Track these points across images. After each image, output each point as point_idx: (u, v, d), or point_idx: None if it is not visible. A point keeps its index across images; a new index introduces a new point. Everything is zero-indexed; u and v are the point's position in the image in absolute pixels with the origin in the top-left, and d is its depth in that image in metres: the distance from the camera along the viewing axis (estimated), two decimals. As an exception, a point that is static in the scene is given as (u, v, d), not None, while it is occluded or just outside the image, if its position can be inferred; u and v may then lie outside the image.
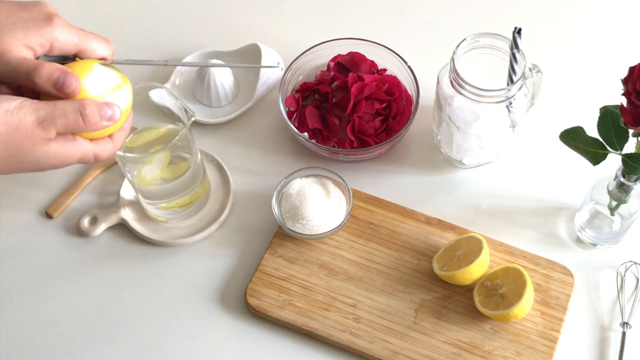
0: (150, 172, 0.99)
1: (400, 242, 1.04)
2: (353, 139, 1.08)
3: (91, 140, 0.80)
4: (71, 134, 0.78)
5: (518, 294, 0.95)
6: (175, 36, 1.24)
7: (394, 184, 1.10)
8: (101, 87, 0.79)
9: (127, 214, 1.06)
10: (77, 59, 0.81)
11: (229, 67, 1.14)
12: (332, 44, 1.14)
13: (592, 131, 0.90)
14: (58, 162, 0.78)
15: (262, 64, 1.14)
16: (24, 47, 0.77)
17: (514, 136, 1.06)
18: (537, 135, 1.13)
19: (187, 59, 1.18)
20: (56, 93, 0.76)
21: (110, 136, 0.82)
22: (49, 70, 0.76)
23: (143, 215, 1.07)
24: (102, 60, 0.82)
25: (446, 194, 1.09)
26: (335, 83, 1.11)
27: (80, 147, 0.79)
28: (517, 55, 0.96)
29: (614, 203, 0.98)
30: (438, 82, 1.02)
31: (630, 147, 0.90)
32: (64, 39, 0.79)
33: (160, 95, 0.97)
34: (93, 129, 0.78)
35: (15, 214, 1.08)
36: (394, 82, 1.11)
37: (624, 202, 0.97)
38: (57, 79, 0.76)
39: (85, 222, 1.05)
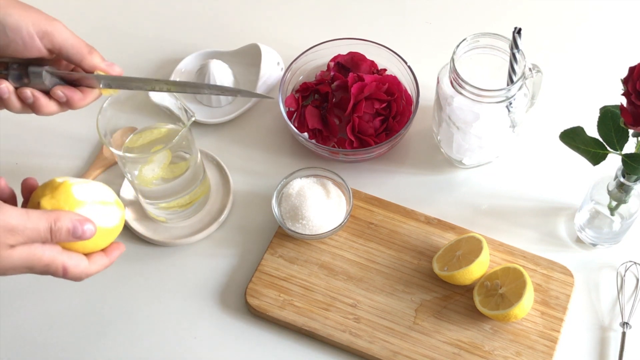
0: (151, 172, 0.99)
1: (400, 242, 1.04)
2: (353, 139, 1.08)
3: (64, 249, 0.79)
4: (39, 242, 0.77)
5: (518, 294, 0.95)
6: (175, 36, 1.23)
7: (394, 184, 1.10)
8: (90, 194, 0.80)
9: (127, 214, 1.06)
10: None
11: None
12: (332, 44, 1.14)
13: (592, 131, 0.90)
14: (22, 264, 0.76)
15: (262, 64, 1.15)
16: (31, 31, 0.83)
17: (514, 136, 1.06)
18: (537, 135, 1.13)
19: (187, 59, 1.18)
20: (104, 67, 0.87)
21: (88, 256, 0.80)
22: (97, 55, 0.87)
23: (143, 215, 1.07)
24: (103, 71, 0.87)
25: (446, 194, 1.09)
26: (335, 83, 1.11)
27: (49, 254, 0.77)
28: (517, 55, 0.96)
29: (614, 203, 0.98)
30: (438, 82, 1.02)
31: (630, 147, 0.90)
32: (64, 37, 0.84)
33: (160, 95, 0.97)
34: (62, 242, 0.77)
35: (15, 214, 1.08)
36: (394, 82, 1.11)
37: (624, 202, 0.97)
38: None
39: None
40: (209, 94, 1.08)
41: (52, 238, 0.76)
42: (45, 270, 0.77)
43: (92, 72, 0.87)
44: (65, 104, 0.88)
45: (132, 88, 0.89)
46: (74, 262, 0.78)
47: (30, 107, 0.87)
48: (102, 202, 0.81)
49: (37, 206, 0.79)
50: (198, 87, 0.92)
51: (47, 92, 0.87)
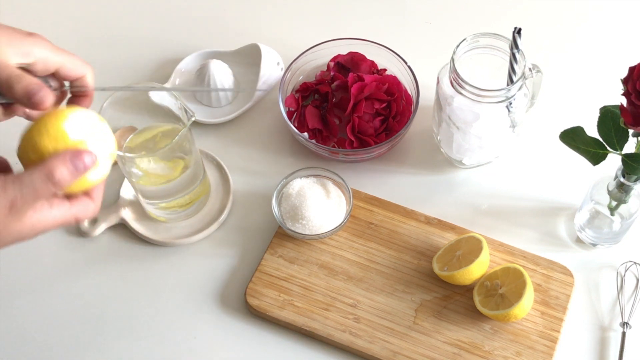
0: (153, 171, 0.99)
1: (400, 242, 1.04)
2: (353, 139, 1.08)
3: (70, 200, 0.76)
4: (46, 202, 0.75)
5: (518, 294, 0.95)
6: (175, 36, 1.24)
7: (394, 184, 1.10)
8: (82, 130, 0.76)
9: (127, 214, 1.06)
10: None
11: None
12: (332, 44, 1.14)
13: (592, 131, 0.90)
14: (35, 233, 0.75)
15: (262, 64, 1.15)
16: (9, 55, 0.76)
17: (514, 136, 1.06)
18: (537, 135, 1.13)
19: (187, 59, 1.18)
20: (28, 104, 0.75)
21: (88, 194, 0.78)
22: (29, 81, 0.75)
23: (143, 215, 1.07)
24: (81, 87, 0.80)
25: (446, 194, 1.09)
26: (335, 83, 1.11)
27: (59, 214, 0.75)
28: (517, 55, 0.96)
29: (614, 203, 0.98)
30: (438, 82, 1.02)
31: (630, 147, 0.90)
32: (46, 52, 0.78)
33: (160, 95, 0.97)
34: (72, 181, 0.74)
35: (15, 214, 1.08)
36: (394, 82, 1.11)
37: (624, 202, 0.97)
38: (32, 89, 0.74)
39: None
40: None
41: (57, 189, 0.73)
42: (59, 226, 0.77)
43: None
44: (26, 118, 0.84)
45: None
46: (82, 208, 0.77)
47: None
48: (96, 133, 0.77)
49: (32, 154, 0.75)
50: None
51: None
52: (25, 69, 0.77)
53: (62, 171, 0.73)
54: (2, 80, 0.76)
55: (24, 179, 0.72)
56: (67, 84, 0.82)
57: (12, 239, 0.74)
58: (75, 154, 0.73)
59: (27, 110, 0.82)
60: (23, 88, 0.75)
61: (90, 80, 0.81)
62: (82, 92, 0.81)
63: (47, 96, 0.75)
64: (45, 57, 0.78)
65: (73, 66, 0.79)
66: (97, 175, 0.76)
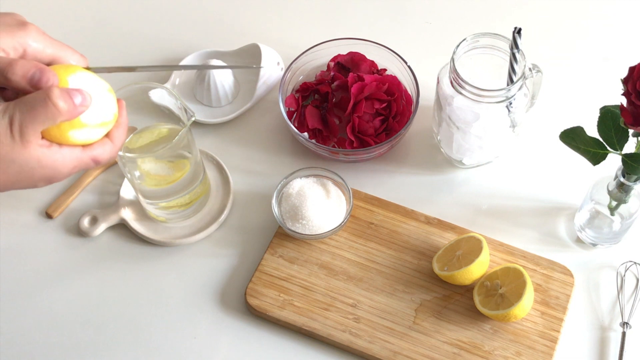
0: (153, 171, 0.99)
1: (400, 242, 1.04)
2: (353, 139, 1.08)
3: (83, 148, 0.76)
4: (54, 145, 0.73)
5: (518, 294, 0.95)
6: (175, 36, 1.24)
7: (394, 184, 1.10)
8: (92, 86, 0.77)
9: (127, 214, 1.06)
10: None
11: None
12: (332, 44, 1.14)
13: (592, 131, 0.90)
14: (46, 171, 0.73)
15: (262, 64, 1.15)
16: None
17: (514, 136, 1.06)
18: (537, 135, 1.13)
19: (187, 59, 1.18)
20: (32, 90, 0.73)
21: (107, 135, 0.78)
22: (25, 67, 0.72)
23: (143, 215, 1.07)
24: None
25: (446, 194, 1.09)
26: (335, 83, 1.11)
27: (70, 154, 0.74)
28: (517, 55, 0.96)
29: (614, 203, 0.98)
30: (438, 82, 1.02)
31: (630, 147, 0.90)
32: (37, 45, 0.77)
33: (160, 95, 0.97)
34: (69, 116, 0.73)
35: (15, 214, 1.08)
36: (394, 82, 1.11)
37: (624, 202, 0.97)
38: (33, 75, 0.73)
39: (85, 222, 1.05)
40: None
41: (55, 111, 0.71)
42: (76, 169, 0.75)
43: None
44: None
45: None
46: (100, 150, 0.77)
47: None
48: (99, 91, 0.78)
49: None
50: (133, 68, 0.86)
51: None
52: None
53: (61, 94, 0.72)
54: None
55: (24, 98, 0.71)
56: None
57: (17, 169, 0.72)
58: (72, 89, 0.73)
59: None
60: (22, 76, 0.73)
61: None
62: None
63: (53, 77, 0.74)
64: (37, 50, 0.77)
65: (66, 60, 0.79)
66: (85, 135, 0.76)
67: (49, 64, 0.78)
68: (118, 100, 0.80)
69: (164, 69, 0.94)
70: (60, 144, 0.74)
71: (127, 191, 1.08)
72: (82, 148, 0.76)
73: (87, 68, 0.80)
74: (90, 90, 0.76)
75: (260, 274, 1.02)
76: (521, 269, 0.97)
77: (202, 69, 1.13)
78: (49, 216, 1.08)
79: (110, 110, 0.79)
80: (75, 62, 0.79)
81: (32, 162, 0.72)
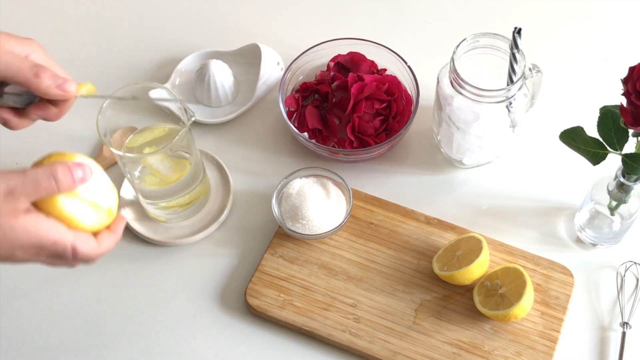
0: (155, 172, 0.99)
1: (400, 242, 1.04)
2: (353, 139, 1.08)
3: (70, 228, 0.76)
4: (42, 213, 0.74)
5: (518, 294, 0.95)
6: (175, 36, 1.24)
7: (394, 184, 1.10)
8: (97, 171, 0.78)
9: (127, 214, 1.06)
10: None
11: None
12: (332, 44, 1.14)
13: (592, 131, 0.90)
14: (28, 239, 0.72)
15: (262, 64, 1.15)
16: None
17: (514, 136, 1.06)
18: (537, 135, 1.13)
19: (187, 59, 1.18)
20: (56, 91, 0.79)
21: (96, 234, 0.78)
22: (51, 72, 0.79)
23: (143, 215, 1.07)
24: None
25: (446, 194, 1.09)
26: (335, 83, 1.11)
27: (55, 230, 0.74)
28: (517, 55, 0.96)
29: (614, 203, 0.98)
30: (438, 82, 1.02)
31: (630, 147, 0.90)
32: (38, 55, 0.81)
33: (160, 95, 0.96)
34: (65, 191, 0.74)
35: (15, 214, 1.08)
36: (394, 82, 1.11)
37: (624, 202, 0.97)
38: (58, 79, 0.79)
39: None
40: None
41: (58, 187, 0.73)
42: (54, 249, 0.74)
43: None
44: (46, 120, 0.85)
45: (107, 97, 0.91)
46: (83, 240, 0.76)
47: (5, 126, 0.85)
48: (103, 179, 0.79)
49: None
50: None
51: (19, 107, 0.84)
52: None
53: (64, 172, 0.74)
54: (24, 72, 0.78)
55: (28, 172, 0.73)
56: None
57: (2, 234, 0.71)
58: (74, 163, 0.75)
59: (42, 112, 0.83)
60: (50, 77, 0.79)
61: (46, 86, 0.81)
62: (62, 97, 0.82)
63: (73, 84, 0.80)
64: (38, 60, 0.80)
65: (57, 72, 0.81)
66: (73, 206, 0.76)
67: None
68: (120, 216, 0.81)
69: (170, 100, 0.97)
70: (47, 216, 0.74)
71: (127, 191, 1.08)
72: (67, 227, 0.75)
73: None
74: (95, 171, 0.78)
75: (260, 274, 1.02)
76: (521, 269, 0.97)
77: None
78: (49, 216, 1.07)
79: (106, 198, 0.79)
80: (46, 87, 0.80)
81: (18, 229, 0.72)
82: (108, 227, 0.79)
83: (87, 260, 0.77)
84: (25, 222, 0.72)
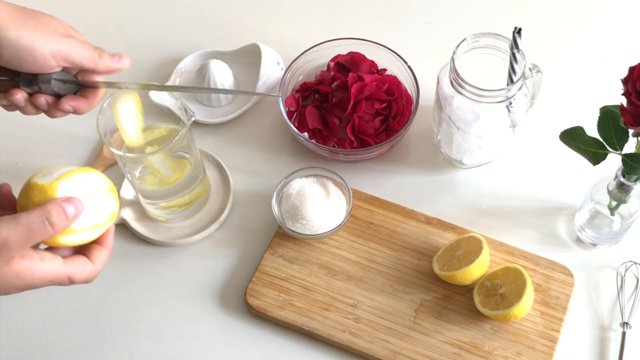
0: (155, 172, 0.99)
1: (400, 242, 1.04)
2: (353, 139, 1.08)
3: (65, 258, 0.76)
4: (36, 254, 0.74)
5: (518, 294, 0.95)
6: (175, 36, 1.24)
7: (394, 184, 1.10)
8: (84, 190, 0.78)
9: (127, 214, 1.06)
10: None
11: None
12: (332, 44, 1.14)
13: (592, 131, 0.90)
14: (23, 284, 0.73)
15: (262, 64, 1.15)
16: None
17: (514, 136, 1.06)
18: (537, 135, 1.13)
19: (187, 59, 1.18)
20: (117, 65, 0.89)
21: (88, 256, 0.78)
22: (107, 52, 0.89)
23: (143, 215, 1.07)
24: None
25: (446, 194, 1.09)
26: (335, 83, 1.11)
27: (48, 269, 0.74)
28: (517, 55, 0.96)
29: (614, 203, 0.98)
30: (438, 82, 1.02)
31: (630, 147, 0.90)
32: (78, 50, 0.86)
33: (160, 95, 0.97)
34: (62, 230, 0.74)
35: (15, 214, 1.08)
36: (394, 82, 1.11)
37: (624, 202, 0.97)
38: (114, 55, 0.89)
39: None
40: (209, 92, 1.09)
41: (53, 231, 0.73)
42: (51, 284, 0.75)
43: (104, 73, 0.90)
44: (73, 112, 0.89)
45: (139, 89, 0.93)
46: (78, 269, 0.77)
47: (43, 112, 0.89)
48: (93, 194, 0.79)
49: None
50: (196, 89, 0.93)
51: (58, 95, 0.88)
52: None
53: (58, 214, 0.73)
54: (90, 53, 0.87)
55: (21, 219, 0.72)
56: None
57: None
58: (64, 200, 0.74)
59: (75, 103, 0.88)
60: (108, 55, 0.88)
61: (108, 64, 0.89)
62: (120, 70, 0.90)
63: (127, 57, 0.90)
64: (76, 63, 0.87)
65: (108, 63, 0.90)
66: (76, 238, 0.77)
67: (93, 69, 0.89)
68: (110, 228, 0.81)
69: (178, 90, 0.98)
70: (40, 255, 0.74)
71: (127, 191, 1.08)
72: (62, 263, 0.76)
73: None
74: (83, 193, 0.77)
75: (260, 274, 1.02)
76: (521, 269, 0.97)
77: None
78: (49, 216, 1.07)
79: (105, 211, 0.79)
80: (108, 64, 0.89)
81: (11, 276, 0.72)
82: (98, 242, 0.80)
83: (85, 282, 0.79)
84: (17, 269, 0.72)
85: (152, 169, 0.98)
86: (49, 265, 0.74)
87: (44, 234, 0.73)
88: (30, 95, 0.87)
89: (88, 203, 0.77)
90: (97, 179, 0.80)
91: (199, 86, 1.12)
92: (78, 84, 0.89)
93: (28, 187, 0.77)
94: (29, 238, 0.72)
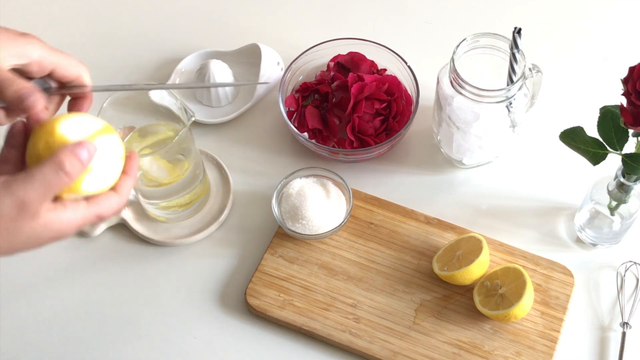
0: (154, 172, 0.99)
1: (400, 242, 1.04)
2: (353, 139, 1.08)
3: (88, 199, 0.74)
4: (59, 204, 0.72)
5: (518, 294, 0.95)
6: (175, 36, 1.24)
7: (394, 184, 1.10)
8: (82, 130, 0.74)
9: (127, 214, 1.06)
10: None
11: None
12: (332, 44, 1.14)
13: (592, 131, 0.90)
14: (53, 234, 0.72)
15: (262, 64, 1.15)
16: (3, 57, 0.74)
17: (514, 136, 1.06)
18: (537, 135, 1.13)
19: (187, 59, 1.18)
20: (19, 108, 0.74)
21: (113, 188, 0.76)
22: (19, 85, 0.74)
23: (143, 215, 1.07)
24: (81, 86, 0.80)
25: (446, 194, 1.09)
26: (335, 83, 1.11)
27: (74, 214, 0.73)
28: (517, 55, 0.96)
29: (614, 203, 0.98)
30: (438, 82, 1.02)
31: (630, 147, 0.90)
32: (40, 52, 0.77)
33: (160, 95, 0.97)
34: (79, 176, 0.72)
35: (15, 214, 1.08)
36: (394, 82, 1.11)
37: (624, 202, 0.97)
38: (22, 94, 0.73)
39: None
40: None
41: (69, 179, 0.71)
42: (81, 228, 0.74)
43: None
44: None
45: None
46: (105, 205, 0.75)
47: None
48: (97, 131, 0.75)
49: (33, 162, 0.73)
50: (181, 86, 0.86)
51: None
52: (21, 70, 0.76)
53: (71, 160, 0.71)
54: (76, 65, 0.77)
55: (35, 174, 0.70)
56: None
57: (25, 239, 0.71)
58: (76, 144, 0.72)
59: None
60: (14, 92, 0.74)
61: (86, 80, 0.80)
62: (81, 94, 0.80)
63: (38, 100, 0.74)
64: (40, 58, 0.77)
65: (68, 66, 0.79)
66: (96, 185, 0.74)
67: (51, 73, 0.78)
68: (131, 153, 0.78)
69: (164, 87, 0.96)
70: (62, 204, 0.72)
71: (127, 191, 1.08)
72: (87, 204, 0.74)
73: (80, 85, 0.80)
74: (86, 128, 0.74)
75: (260, 274, 1.02)
76: (521, 269, 0.97)
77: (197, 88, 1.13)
78: (49, 216, 1.07)
79: (116, 149, 0.76)
80: (75, 67, 0.79)
81: (38, 229, 0.71)
82: (123, 172, 0.77)
83: (115, 214, 0.77)
84: (44, 221, 0.71)
85: (149, 170, 0.98)
86: (74, 211, 0.73)
87: (61, 183, 0.71)
88: None
89: (102, 145, 0.75)
90: (94, 120, 0.76)
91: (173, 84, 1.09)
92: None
93: (37, 137, 0.74)
94: (47, 192, 0.70)
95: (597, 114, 0.90)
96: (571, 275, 1.01)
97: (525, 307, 0.95)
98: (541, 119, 1.13)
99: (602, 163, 0.90)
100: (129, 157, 0.78)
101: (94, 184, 0.74)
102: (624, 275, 1.01)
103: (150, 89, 0.96)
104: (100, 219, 0.75)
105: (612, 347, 0.98)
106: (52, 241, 0.73)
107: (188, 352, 0.99)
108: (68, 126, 0.74)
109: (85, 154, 0.72)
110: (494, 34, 0.98)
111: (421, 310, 0.99)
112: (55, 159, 0.71)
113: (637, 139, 0.89)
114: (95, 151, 0.73)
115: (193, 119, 0.93)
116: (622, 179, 0.93)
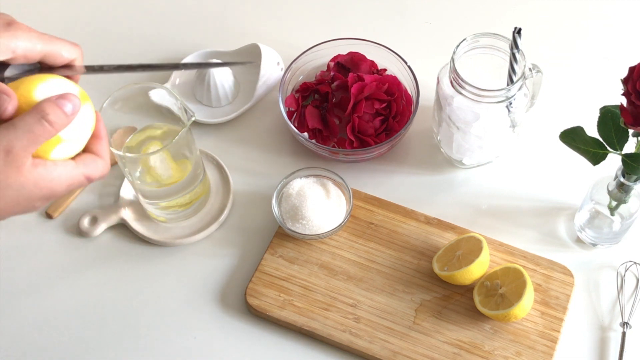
0: (157, 171, 0.99)
1: (400, 242, 1.04)
2: (353, 139, 1.08)
3: (75, 159, 0.73)
4: (49, 160, 0.71)
5: (518, 294, 0.95)
6: (175, 36, 1.24)
7: (394, 184, 1.10)
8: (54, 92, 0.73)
9: (127, 214, 1.06)
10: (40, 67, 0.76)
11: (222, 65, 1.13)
12: (332, 44, 1.14)
13: (592, 131, 0.90)
14: (43, 192, 0.71)
15: (262, 64, 1.15)
16: None
17: (514, 136, 1.06)
18: (537, 135, 1.13)
19: (187, 59, 1.18)
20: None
21: (94, 152, 0.76)
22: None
23: (143, 215, 1.07)
24: (69, 67, 0.78)
25: (446, 194, 1.09)
26: (335, 83, 1.11)
27: (64, 172, 0.72)
28: (517, 55, 0.96)
29: (614, 203, 0.98)
30: (438, 82, 1.02)
31: (630, 147, 0.90)
32: (26, 44, 0.75)
33: (160, 95, 0.97)
34: (61, 129, 0.71)
35: (15, 214, 1.08)
36: (394, 82, 1.11)
37: (624, 202, 0.97)
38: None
39: (85, 222, 1.05)
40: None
41: (52, 129, 0.70)
42: (70, 188, 0.73)
43: None
44: None
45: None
46: (92, 166, 0.74)
47: None
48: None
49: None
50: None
51: None
52: (5, 62, 0.74)
53: (54, 110, 0.70)
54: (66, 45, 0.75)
55: (18, 123, 0.69)
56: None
57: (14, 195, 0.70)
58: (60, 96, 0.71)
59: None
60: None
61: (79, 63, 0.79)
62: (70, 75, 0.78)
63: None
64: (25, 51, 0.75)
65: (58, 54, 0.77)
66: (64, 153, 0.73)
67: (41, 61, 0.76)
68: (97, 114, 0.77)
69: (161, 69, 0.94)
70: (54, 161, 0.72)
71: (127, 191, 1.08)
72: (75, 164, 0.74)
73: (87, 67, 0.79)
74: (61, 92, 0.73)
75: (260, 274, 1.02)
76: (521, 269, 0.97)
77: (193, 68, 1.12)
78: (49, 216, 1.08)
79: (88, 117, 0.75)
80: (68, 52, 0.77)
81: (28, 185, 0.70)
82: (94, 137, 0.76)
83: (102, 178, 0.77)
84: (33, 177, 0.70)
85: (151, 169, 0.98)
86: (63, 169, 0.72)
87: (45, 133, 0.70)
88: None
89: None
90: (69, 84, 0.75)
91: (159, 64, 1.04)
92: None
93: (19, 84, 0.73)
94: (31, 141, 0.69)
95: (597, 114, 0.90)
96: (571, 275, 1.01)
97: (525, 307, 0.95)
98: (541, 119, 1.13)
99: (602, 163, 0.90)
100: (98, 122, 0.77)
101: (63, 152, 0.73)
102: (624, 275, 1.01)
103: (144, 71, 0.92)
104: (89, 180, 0.74)
105: (612, 347, 0.98)
106: (43, 201, 0.72)
107: (188, 352, 0.99)
108: (44, 92, 0.72)
109: (69, 107, 0.71)
110: (494, 34, 0.98)
111: (421, 310, 0.99)
112: (38, 108, 0.70)
113: (637, 139, 0.89)
114: (80, 106, 0.72)
115: (193, 119, 0.93)
116: (622, 179, 0.93)
